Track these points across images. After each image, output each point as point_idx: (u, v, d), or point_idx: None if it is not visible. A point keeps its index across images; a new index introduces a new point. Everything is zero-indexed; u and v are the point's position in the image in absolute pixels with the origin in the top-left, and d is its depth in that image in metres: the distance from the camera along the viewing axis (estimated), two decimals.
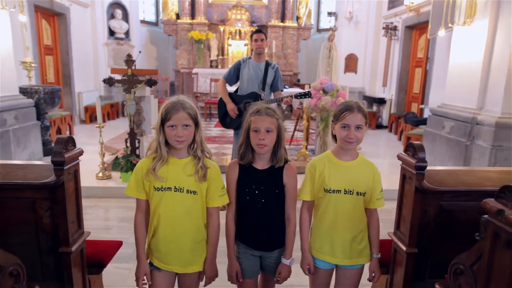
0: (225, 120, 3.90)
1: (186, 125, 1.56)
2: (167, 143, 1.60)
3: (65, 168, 1.69)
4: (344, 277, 1.79)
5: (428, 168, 1.83)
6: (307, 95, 3.71)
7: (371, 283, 1.85)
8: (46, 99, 5.02)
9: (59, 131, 6.65)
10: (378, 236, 1.78)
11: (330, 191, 1.69)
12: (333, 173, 1.70)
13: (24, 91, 4.85)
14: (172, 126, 1.55)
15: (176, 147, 1.60)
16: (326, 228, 1.73)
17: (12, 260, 1.35)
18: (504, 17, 4.01)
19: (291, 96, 3.70)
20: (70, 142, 1.78)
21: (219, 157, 5.25)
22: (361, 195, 1.69)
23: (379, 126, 8.83)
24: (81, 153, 1.86)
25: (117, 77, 4.26)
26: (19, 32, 5.24)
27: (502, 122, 3.97)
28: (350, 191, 1.69)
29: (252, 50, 3.87)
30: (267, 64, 3.82)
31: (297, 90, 6.04)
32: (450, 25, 4.61)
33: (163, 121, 1.57)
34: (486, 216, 1.30)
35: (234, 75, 3.88)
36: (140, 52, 5.04)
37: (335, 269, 1.81)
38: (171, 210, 1.60)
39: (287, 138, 5.93)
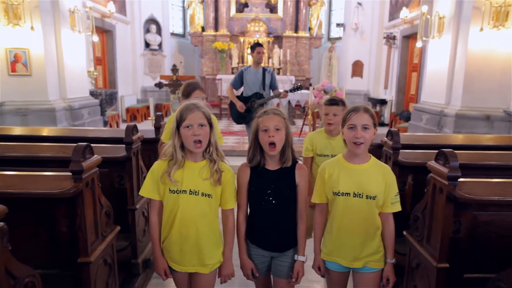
0: (237, 119, 4.70)
1: (202, 125, 1.57)
2: (182, 148, 1.61)
3: (83, 176, 1.79)
4: (361, 282, 1.75)
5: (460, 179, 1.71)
6: (298, 88, 4.66)
7: None
8: (107, 100, 6.45)
9: (110, 127, 8.11)
10: (393, 241, 1.74)
11: (339, 194, 1.68)
12: (343, 176, 1.69)
13: (92, 93, 6.29)
14: (188, 127, 1.56)
15: (193, 151, 1.60)
16: (336, 230, 1.72)
17: (28, 272, 1.36)
18: (462, 32, 5.17)
19: (286, 91, 4.58)
20: (87, 149, 1.92)
21: (240, 145, 6.55)
22: (371, 198, 1.65)
23: (382, 124, 9.92)
24: (99, 160, 1.99)
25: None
26: (86, 48, 6.70)
27: (460, 114, 5.12)
28: (360, 194, 1.65)
29: (252, 59, 4.71)
30: (264, 70, 4.66)
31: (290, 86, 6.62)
32: (424, 38, 5.77)
33: (179, 124, 1.58)
34: None
35: (239, 81, 4.72)
36: (181, 62, 6.37)
37: (352, 274, 1.79)
38: (186, 212, 1.61)
39: (296, 132, 7.14)
